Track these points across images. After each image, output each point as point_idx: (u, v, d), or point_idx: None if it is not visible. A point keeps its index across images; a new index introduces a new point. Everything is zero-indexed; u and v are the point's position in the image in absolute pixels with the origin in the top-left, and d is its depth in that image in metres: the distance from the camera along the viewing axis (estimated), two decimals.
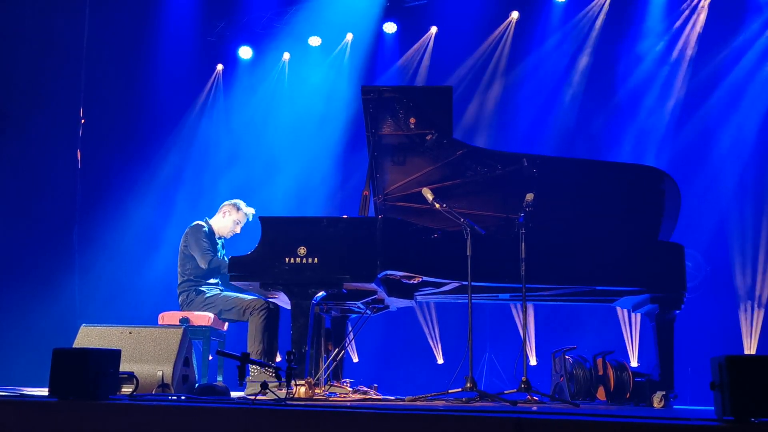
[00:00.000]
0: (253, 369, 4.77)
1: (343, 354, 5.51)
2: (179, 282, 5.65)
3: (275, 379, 3.96)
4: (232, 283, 4.77)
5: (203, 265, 5.57)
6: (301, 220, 4.67)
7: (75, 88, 8.05)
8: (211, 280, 5.68)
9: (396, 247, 4.60)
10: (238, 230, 5.91)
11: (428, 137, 5.16)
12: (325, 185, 8.86)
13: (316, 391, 4.36)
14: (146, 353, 4.36)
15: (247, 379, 4.50)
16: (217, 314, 5.52)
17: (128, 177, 8.41)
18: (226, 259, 5.43)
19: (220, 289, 5.67)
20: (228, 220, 5.84)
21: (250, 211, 5.90)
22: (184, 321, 5.37)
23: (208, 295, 5.56)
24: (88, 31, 8.06)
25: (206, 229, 5.74)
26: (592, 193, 5.22)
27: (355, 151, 8.61)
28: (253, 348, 5.14)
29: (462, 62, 8.65)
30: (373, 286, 4.62)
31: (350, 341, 5.51)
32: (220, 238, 5.87)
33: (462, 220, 4.65)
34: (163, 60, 8.71)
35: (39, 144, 7.58)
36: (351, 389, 5.08)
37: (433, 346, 8.41)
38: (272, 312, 5.32)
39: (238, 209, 5.86)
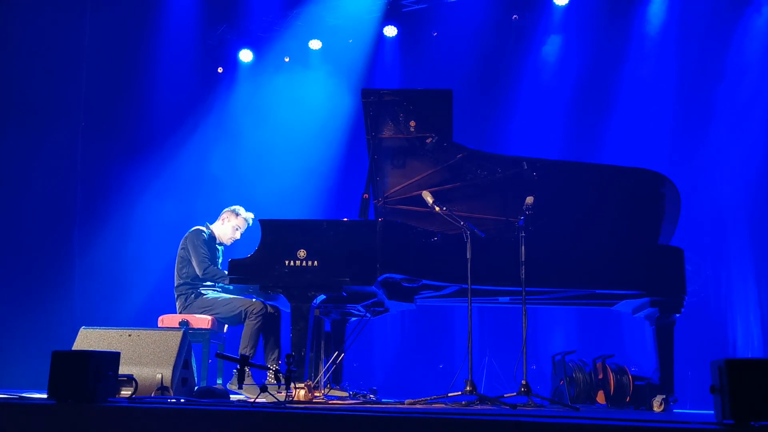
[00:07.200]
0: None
1: (343, 357, 5.51)
2: (176, 285, 5.65)
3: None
4: (232, 285, 4.77)
5: (198, 273, 5.57)
6: (301, 223, 4.67)
7: (75, 91, 8.05)
8: (208, 283, 5.67)
9: (396, 250, 4.60)
10: (238, 236, 5.90)
11: (428, 140, 5.16)
12: (325, 188, 8.86)
13: (315, 394, 4.36)
14: (145, 356, 4.35)
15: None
16: (216, 316, 5.52)
17: (128, 180, 8.40)
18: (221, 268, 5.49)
19: (218, 290, 5.67)
20: (227, 226, 5.83)
21: (249, 216, 5.88)
22: (184, 324, 5.36)
23: (207, 298, 5.56)
24: (89, 33, 8.06)
25: (206, 234, 5.72)
26: (592, 197, 5.21)
27: (355, 154, 8.61)
28: (245, 351, 5.16)
29: (462, 65, 8.64)
30: (373, 289, 4.61)
31: (350, 344, 5.50)
32: (220, 244, 5.86)
33: (462, 223, 4.65)
34: (164, 63, 8.70)
35: (39, 146, 7.58)
36: (350, 392, 5.08)
37: (433, 349, 8.40)
38: (269, 317, 5.32)
39: (237, 215, 5.84)
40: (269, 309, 5.35)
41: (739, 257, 7.53)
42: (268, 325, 5.33)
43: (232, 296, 5.51)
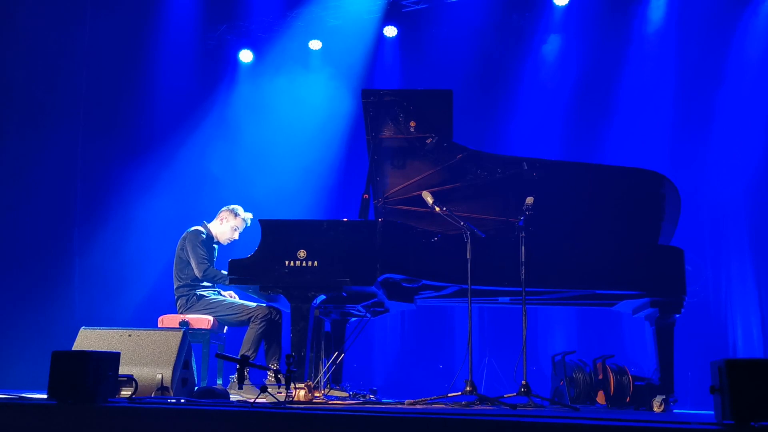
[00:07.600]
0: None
1: (343, 357, 5.51)
2: (176, 286, 5.63)
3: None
4: (232, 285, 4.76)
5: (198, 274, 5.54)
6: (301, 224, 4.67)
7: (75, 91, 8.05)
8: (206, 283, 5.66)
9: (396, 250, 4.60)
10: (236, 236, 5.87)
11: (428, 141, 5.16)
12: (326, 188, 8.86)
13: (315, 394, 4.36)
14: (145, 356, 4.35)
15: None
16: (218, 318, 5.52)
17: (128, 180, 8.41)
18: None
19: (219, 291, 5.67)
20: (226, 226, 5.79)
21: (248, 216, 5.85)
22: (184, 324, 5.36)
23: (210, 299, 5.55)
24: (89, 33, 8.06)
25: (204, 235, 5.70)
26: (592, 197, 5.21)
27: (355, 154, 8.60)
28: (246, 353, 5.15)
29: (462, 65, 8.64)
30: (372, 289, 4.61)
31: (350, 344, 5.50)
32: (217, 243, 5.85)
33: (462, 223, 4.65)
34: (164, 63, 8.70)
35: (39, 146, 7.58)
36: (350, 392, 5.08)
37: (433, 349, 8.40)
38: (273, 323, 5.32)
39: (236, 215, 5.80)
40: (273, 314, 5.34)
41: (739, 258, 7.53)
42: (271, 331, 5.32)
43: (238, 300, 5.52)
